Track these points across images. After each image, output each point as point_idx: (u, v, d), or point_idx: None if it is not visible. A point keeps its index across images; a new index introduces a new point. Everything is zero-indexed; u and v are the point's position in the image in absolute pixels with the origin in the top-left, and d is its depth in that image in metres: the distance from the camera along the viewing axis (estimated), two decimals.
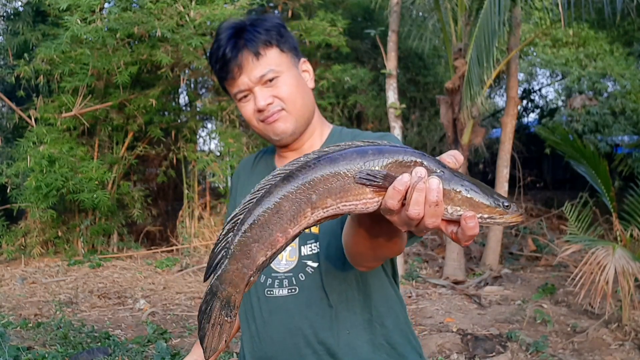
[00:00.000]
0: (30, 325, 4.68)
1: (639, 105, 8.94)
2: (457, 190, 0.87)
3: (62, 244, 7.28)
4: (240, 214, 0.92)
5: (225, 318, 0.95)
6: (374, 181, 0.86)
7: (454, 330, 4.68)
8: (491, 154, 9.44)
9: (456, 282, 6.20)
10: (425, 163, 0.88)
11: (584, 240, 4.76)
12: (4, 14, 8.33)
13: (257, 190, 0.92)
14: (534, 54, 10.76)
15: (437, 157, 0.91)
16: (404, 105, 6.71)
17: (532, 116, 13.26)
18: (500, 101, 12.88)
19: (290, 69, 1.38)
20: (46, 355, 3.90)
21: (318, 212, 0.89)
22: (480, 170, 13.21)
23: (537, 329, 4.77)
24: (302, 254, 1.38)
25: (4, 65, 7.76)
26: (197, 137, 8.49)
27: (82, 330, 4.51)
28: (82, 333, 4.44)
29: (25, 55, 6.80)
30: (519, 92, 8.67)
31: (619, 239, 5.06)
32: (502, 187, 6.81)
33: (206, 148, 9.07)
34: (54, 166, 6.14)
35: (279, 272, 1.38)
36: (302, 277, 1.36)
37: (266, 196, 0.90)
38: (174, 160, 7.75)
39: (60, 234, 7.28)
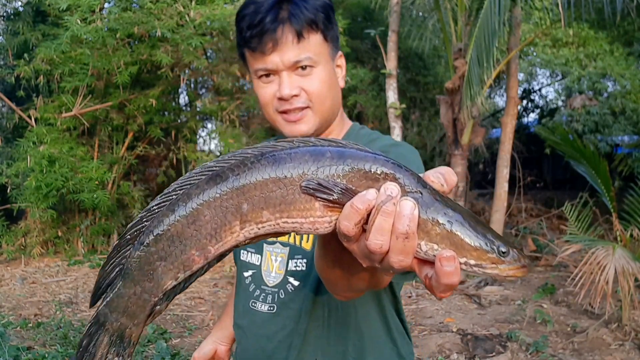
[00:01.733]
0: (30, 325, 4.68)
1: (639, 105, 8.94)
2: (437, 220, 0.65)
3: (62, 244, 7.28)
4: (145, 221, 0.70)
5: (115, 358, 0.73)
6: (325, 193, 0.65)
7: (454, 330, 4.68)
8: (491, 154, 9.43)
9: None
10: (400, 178, 0.66)
11: (584, 240, 4.76)
12: (4, 14, 8.33)
13: (172, 191, 0.70)
14: (534, 54, 10.76)
15: (421, 174, 0.69)
16: (404, 105, 6.71)
17: (532, 116, 13.26)
18: (500, 101, 12.88)
19: (327, 62, 1.22)
20: (46, 355, 3.90)
21: (250, 227, 0.68)
22: (480, 170, 13.21)
23: (537, 329, 4.76)
24: (288, 268, 1.26)
25: (4, 65, 7.76)
26: (197, 137, 8.50)
27: (82, 330, 4.51)
28: (82, 333, 4.44)
29: (25, 55, 6.80)
30: (519, 92, 8.67)
31: (619, 239, 5.06)
32: (502, 187, 6.81)
33: (206, 148, 9.08)
34: (54, 166, 6.14)
35: (267, 286, 1.29)
36: (282, 294, 1.26)
37: (182, 200, 0.68)
38: (174, 160, 7.75)
39: (60, 234, 7.28)
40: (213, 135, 8.32)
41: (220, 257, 0.70)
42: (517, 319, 4.98)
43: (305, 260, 1.24)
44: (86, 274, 6.44)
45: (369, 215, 0.65)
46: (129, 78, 6.50)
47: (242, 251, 1.34)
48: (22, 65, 6.52)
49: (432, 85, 10.43)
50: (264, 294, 1.29)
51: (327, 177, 0.66)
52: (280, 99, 1.20)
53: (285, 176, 0.66)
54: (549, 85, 12.87)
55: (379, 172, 0.66)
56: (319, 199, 0.66)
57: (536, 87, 13.05)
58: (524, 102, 12.59)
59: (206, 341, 1.54)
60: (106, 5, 6.45)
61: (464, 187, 6.65)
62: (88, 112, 6.77)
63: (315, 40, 1.19)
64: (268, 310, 1.27)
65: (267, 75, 1.21)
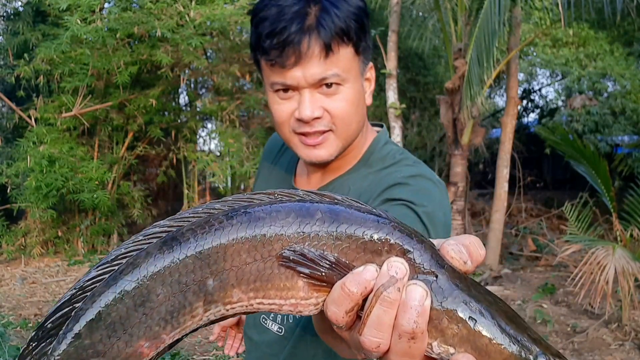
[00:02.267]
0: (30, 325, 4.68)
1: (639, 105, 8.94)
2: (457, 316, 0.50)
3: (62, 244, 7.28)
4: (76, 301, 0.52)
5: None
6: (309, 267, 0.50)
7: None
8: (491, 154, 9.44)
9: None
10: (409, 252, 0.51)
11: (584, 240, 4.76)
12: (4, 14, 8.33)
13: (113, 259, 0.53)
14: (534, 54, 10.76)
15: (440, 245, 0.53)
16: (404, 105, 6.71)
17: (532, 116, 13.26)
18: (500, 101, 12.89)
19: (356, 79, 1.06)
20: None
21: (216, 308, 0.52)
22: (480, 170, 13.21)
23: (537, 329, 4.77)
24: None
25: (4, 65, 7.76)
26: (197, 137, 8.50)
27: None
28: None
29: (25, 55, 6.80)
30: (519, 92, 8.67)
31: (619, 239, 5.06)
32: (502, 187, 6.81)
33: (206, 148, 9.08)
34: (54, 166, 6.14)
35: None
36: (290, 319, 1.17)
37: (127, 272, 0.51)
38: (174, 160, 7.75)
39: (60, 234, 7.28)
40: (213, 135, 8.32)
41: (176, 342, 0.54)
42: None
43: None
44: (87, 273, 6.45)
45: (365, 299, 0.50)
46: (129, 78, 6.50)
47: None
48: (22, 65, 6.52)
49: (432, 85, 10.43)
50: (274, 313, 1.19)
51: (315, 245, 0.51)
52: (299, 120, 1.03)
53: (263, 243, 0.51)
54: (549, 85, 12.87)
55: (382, 241, 0.51)
56: (301, 274, 0.51)
57: (536, 87, 13.06)
58: (524, 102, 12.59)
59: None
60: (106, 5, 6.45)
61: (464, 187, 6.65)
62: (88, 112, 6.77)
63: (345, 54, 1.02)
64: (277, 330, 1.20)
65: (285, 91, 1.04)
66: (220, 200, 0.54)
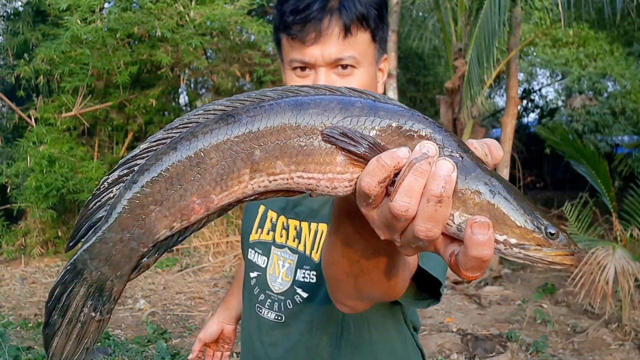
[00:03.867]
0: (30, 325, 4.68)
1: (639, 105, 8.94)
2: (478, 190, 0.56)
3: (62, 244, 7.27)
4: (140, 158, 0.61)
5: (92, 314, 0.61)
6: (350, 144, 0.56)
7: (454, 330, 4.68)
8: None
9: (456, 282, 6.20)
10: (438, 139, 0.57)
11: (584, 240, 4.76)
12: (4, 14, 8.33)
13: (176, 127, 0.61)
14: (534, 54, 10.76)
15: (471, 142, 0.61)
16: None
17: (532, 116, 13.26)
18: (500, 101, 12.89)
19: (371, 65, 1.11)
20: None
21: (260, 178, 0.59)
22: None
23: (537, 329, 4.77)
24: (296, 277, 1.20)
25: (4, 65, 7.76)
26: None
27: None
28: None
29: (25, 55, 6.79)
30: (519, 92, 8.67)
31: (619, 239, 5.06)
32: None
33: None
34: (54, 166, 6.14)
35: (272, 292, 1.24)
36: (289, 304, 1.20)
37: (187, 138, 0.59)
38: None
39: (60, 234, 7.27)
40: None
41: (222, 211, 0.61)
42: (517, 319, 4.98)
43: (314, 273, 1.17)
44: None
45: (396, 175, 0.56)
46: (129, 78, 6.50)
47: (250, 250, 1.30)
48: (22, 65, 6.51)
49: (432, 85, 10.44)
50: (269, 300, 1.24)
51: (355, 128, 0.57)
52: None
53: (307, 123, 0.57)
54: (549, 85, 12.87)
55: (415, 129, 0.57)
56: (342, 150, 0.57)
57: (536, 87, 13.06)
58: (524, 102, 12.59)
59: (212, 321, 1.51)
60: (106, 5, 6.45)
61: None
62: (88, 112, 6.76)
63: (362, 39, 1.07)
64: (275, 318, 1.22)
65: (303, 69, 1.09)
66: (271, 88, 0.61)
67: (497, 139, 8.66)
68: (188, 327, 4.80)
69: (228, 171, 0.58)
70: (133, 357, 4.03)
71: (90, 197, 0.62)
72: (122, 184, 0.60)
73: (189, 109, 8.59)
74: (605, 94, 9.66)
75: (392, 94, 6.54)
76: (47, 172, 6.09)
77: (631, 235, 4.96)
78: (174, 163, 0.58)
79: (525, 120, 13.06)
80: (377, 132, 0.57)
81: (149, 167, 0.59)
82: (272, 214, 1.28)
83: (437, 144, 0.57)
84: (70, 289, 0.61)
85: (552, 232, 0.58)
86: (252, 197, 0.61)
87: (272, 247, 1.25)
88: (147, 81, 7.47)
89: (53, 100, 6.83)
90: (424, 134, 0.57)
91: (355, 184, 0.58)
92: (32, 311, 5.13)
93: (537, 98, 13.25)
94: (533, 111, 13.18)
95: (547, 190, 12.55)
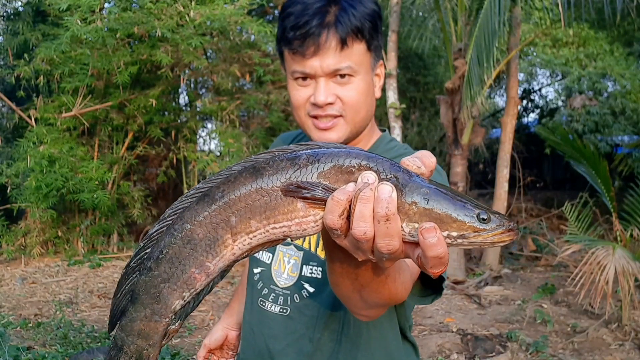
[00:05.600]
0: (30, 325, 4.68)
1: (639, 105, 8.94)
2: (414, 200, 0.66)
3: (62, 244, 7.28)
4: (147, 248, 0.75)
5: None
6: (305, 192, 0.68)
7: (454, 330, 4.68)
8: (491, 154, 9.44)
9: (456, 282, 6.20)
10: (374, 166, 0.68)
11: (584, 240, 4.76)
12: (4, 14, 8.33)
13: (168, 217, 0.74)
14: (534, 54, 10.76)
15: (399, 161, 0.71)
16: (404, 105, 6.71)
17: (532, 116, 13.26)
18: (500, 101, 12.88)
19: (367, 73, 1.20)
20: (46, 355, 3.90)
21: (242, 238, 0.71)
22: (480, 170, 13.21)
23: (537, 329, 4.77)
24: (303, 273, 1.25)
25: (4, 65, 7.75)
26: (197, 137, 8.50)
27: (82, 330, 4.51)
28: (82, 333, 4.44)
29: (25, 55, 6.79)
30: (519, 92, 8.67)
31: (619, 239, 5.06)
32: (502, 187, 6.81)
33: (206, 148, 9.07)
34: (54, 166, 6.14)
35: (277, 286, 1.28)
36: (296, 298, 1.25)
37: (177, 223, 0.72)
38: (174, 160, 7.75)
39: (60, 234, 7.27)
40: (213, 135, 8.32)
41: (223, 273, 0.73)
42: (517, 319, 4.98)
43: (320, 269, 1.22)
44: (86, 274, 6.44)
45: (350, 205, 0.67)
46: (129, 78, 6.49)
47: None
48: (22, 65, 6.51)
49: (432, 85, 10.44)
50: (274, 294, 1.28)
51: (306, 178, 0.69)
52: (314, 104, 1.17)
53: (267, 185, 0.69)
54: (549, 85, 12.87)
55: (354, 164, 0.68)
56: (300, 197, 0.68)
57: (536, 87, 13.06)
58: (524, 102, 12.59)
59: (216, 327, 1.52)
60: (106, 5, 6.44)
61: (464, 187, 6.65)
62: (88, 112, 6.76)
63: (358, 49, 1.16)
64: (280, 312, 1.26)
65: (304, 79, 1.18)
66: (235, 163, 0.73)
67: (497, 139, 8.66)
68: (188, 327, 4.81)
69: (214, 240, 0.71)
70: None
71: (116, 286, 0.76)
72: (137, 272, 0.75)
73: (189, 109, 8.60)
74: (605, 94, 9.65)
75: (392, 94, 6.54)
76: (47, 172, 6.09)
77: (631, 235, 4.96)
78: (170, 245, 0.72)
79: (525, 120, 13.06)
80: (325, 176, 0.68)
81: (153, 254, 0.73)
82: None
83: (374, 171, 0.67)
84: None
85: (484, 217, 0.66)
86: (244, 255, 0.73)
87: (278, 245, 1.29)
88: (147, 81, 7.47)
89: (53, 100, 6.83)
90: (361, 166, 0.68)
91: (321, 223, 0.69)
92: (32, 311, 5.13)
93: (537, 98, 13.25)
94: (533, 111, 13.18)
95: (547, 190, 12.55)
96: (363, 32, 1.15)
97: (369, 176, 0.66)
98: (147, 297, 0.73)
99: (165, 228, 0.73)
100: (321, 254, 1.23)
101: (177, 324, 0.76)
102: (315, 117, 1.18)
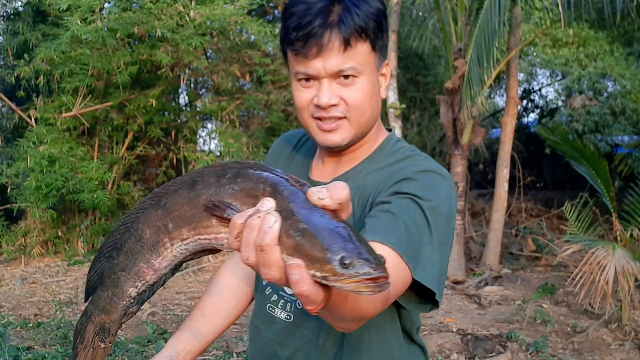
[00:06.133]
0: (30, 325, 4.68)
1: (639, 105, 8.94)
2: (291, 233, 0.66)
3: (62, 244, 7.28)
4: (116, 236, 0.86)
5: (99, 343, 0.90)
6: (217, 211, 0.72)
7: (454, 330, 4.68)
8: (491, 154, 9.44)
9: (456, 282, 6.20)
10: (275, 193, 0.70)
11: (584, 240, 4.76)
12: (4, 14, 8.33)
13: (133, 213, 0.83)
14: (534, 54, 10.76)
15: (309, 190, 0.70)
16: (404, 105, 6.71)
17: (532, 116, 13.26)
18: (500, 101, 12.88)
19: (371, 73, 1.17)
20: (46, 355, 3.90)
21: (177, 243, 0.78)
22: (480, 170, 13.21)
23: (537, 329, 4.77)
24: None
25: (4, 65, 7.75)
26: (197, 137, 8.49)
27: None
28: None
29: (25, 55, 6.79)
30: (519, 92, 8.67)
31: (619, 239, 5.06)
32: (502, 187, 6.81)
33: (206, 148, 9.07)
34: (54, 166, 6.13)
35: (286, 293, 1.27)
36: (299, 305, 1.24)
37: (135, 221, 0.82)
38: (174, 160, 7.75)
39: (60, 234, 7.27)
40: (213, 135, 8.32)
41: (173, 270, 0.82)
42: (517, 319, 4.98)
43: None
44: (86, 274, 6.44)
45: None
46: (129, 78, 6.49)
47: None
48: (22, 65, 6.50)
49: (432, 85, 10.44)
50: (282, 301, 1.27)
51: (223, 196, 0.73)
52: (318, 106, 1.15)
53: (195, 197, 0.75)
54: (549, 85, 12.87)
55: (260, 189, 0.71)
56: (213, 215, 0.73)
57: (536, 87, 13.06)
58: (524, 102, 12.58)
59: (161, 355, 1.31)
60: (106, 5, 6.44)
61: (464, 187, 6.65)
62: (88, 112, 6.76)
63: (362, 50, 1.13)
64: (285, 318, 1.26)
65: (307, 80, 1.16)
66: (189, 172, 0.79)
67: (497, 139, 8.66)
68: None
69: (157, 241, 0.79)
70: (133, 357, 4.03)
71: (90, 265, 0.89)
72: (105, 258, 0.86)
73: (189, 109, 8.60)
74: (605, 94, 9.65)
75: (392, 93, 6.54)
76: (47, 172, 6.08)
77: (631, 235, 4.96)
78: (128, 240, 0.81)
79: (525, 120, 13.05)
80: (235, 196, 0.72)
81: (117, 244, 0.84)
82: None
83: (275, 198, 0.69)
84: (84, 327, 0.90)
85: (347, 262, 0.63)
86: (188, 258, 0.80)
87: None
88: (147, 81, 7.46)
89: (53, 101, 6.82)
90: (265, 192, 0.70)
91: None
92: (32, 311, 5.13)
93: (537, 98, 13.25)
94: (533, 111, 13.18)
95: (547, 190, 12.55)
96: (367, 31, 1.12)
97: (265, 203, 0.68)
98: (109, 280, 0.85)
99: (129, 222, 0.83)
100: None
101: (134, 307, 0.87)
102: (319, 118, 1.17)
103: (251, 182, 0.72)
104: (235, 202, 0.72)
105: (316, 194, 0.68)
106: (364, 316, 0.92)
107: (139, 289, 0.83)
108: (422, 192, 1.09)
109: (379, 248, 0.99)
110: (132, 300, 0.85)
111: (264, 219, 0.66)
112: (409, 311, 1.24)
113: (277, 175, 0.72)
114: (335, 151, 1.23)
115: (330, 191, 0.68)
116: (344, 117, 1.16)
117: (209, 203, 0.73)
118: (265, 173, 0.73)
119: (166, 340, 4.40)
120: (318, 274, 0.65)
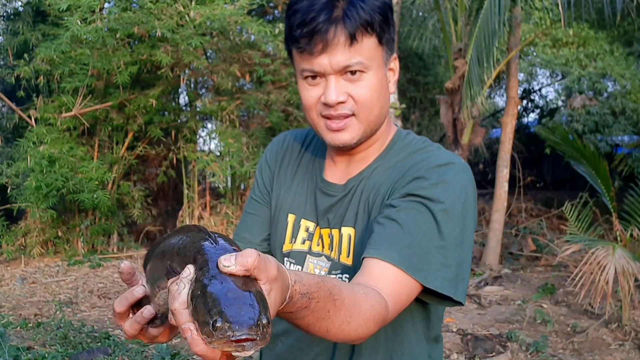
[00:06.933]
0: (30, 325, 4.68)
1: (639, 105, 8.95)
2: (189, 299, 0.72)
3: (62, 244, 7.28)
4: (162, 241, 0.93)
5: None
6: (171, 274, 0.78)
7: (454, 330, 4.68)
8: (491, 154, 9.44)
9: None
10: (197, 260, 0.76)
11: (584, 240, 4.76)
12: (4, 14, 8.33)
13: (157, 244, 0.93)
14: (534, 54, 10.77)
15: (218, 259, 0.74)
16: (404, 105, 6.71)
17: (532, 116, 13.27)
18: (500, 101, 12.90)
19: (379, 68, 1.14)
20: (46, 355, 3.90)
21: (163, 290, 0.83)
22: (480, 170, 13.22)
23: (537, 329, 4.77)
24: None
25: (4, 65, 7.76)
26: (197, 137, 8.49)
27: (82, 330, 4.51)
28: (82, 333, 4.44)
29: (25, 55, 6.79)
30: (519, 92, 8.67)
31: (619, 239, 5.06)
32: (502, 187, 6.81)
33: (206, 148, 9.07)
34: (54, 166, 6.14)
35: None
36: None
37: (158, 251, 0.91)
38: (174, 160, 7.75)
39: (60, 234, 7.27)
40: (213, 135, 8.32)
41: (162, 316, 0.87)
42: (517, 319, 4.98)
43: (347, 275, 1.19)
44: (86, 274, 6.44)
45: None
46: (129, 78, 6.49)
47: (284, 259, 1.30)
48: (22, 65, 6.51)
49: (432, 85, 10.45)
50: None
51: (176, 260, 0.80)
52: (325, 104, 1.12)
53: (162, 260, 0.84)
54: (549, 85, 12.88)
55: (192, 255, 0.77)
56: (167, 278, 0.79)
57: (536, 87, 13.07)
58: (524, 102, 12.59)
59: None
60: (106, 5, 6.45)
61: None
62: (88, 112, 6.76)
63: (368, 44, 1.10)
64: None
65: (314, 77, 1.13)
66: (177, 232, 0.87)
67: (497, 139, 8.66)
68: None
69: (160, 275, 0.83)
70: (133, 357, 4.03)
71: (150, 248, 0.95)
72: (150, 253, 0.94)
73: (189, 109, 8.60)
74: (605, 94, 9.66)
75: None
76: (47, 172, 6.09)
77: (631, 235, 4.96)
78: (155, 262, 0.88)
79: (525, 120, 13.06)
80: (179, 262, 0.78)
81: (151, 255, 0.93)
82: (307, 224, 1.29)
83: (195, 265, 0.74)
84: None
85: (217, 325, 0.67)
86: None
87: (308, 256, 1.27)
88: (147, 81, 7.47)
89: (53, 100, 6.83)
90: (195, 260, 0.76)
91: None
92: (32, 311, 5.13)
93: (537, 98, 13.26)
94: (533, 111, 13.18)
95: (547, 190, 12.55)
96: (373, 25, 1.09)
97: (186, 270, 0.74)
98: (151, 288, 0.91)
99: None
100: (345, 260, 1.21)
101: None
102: (328, 117, 1.14)
103: (189, 250, 0.78)
104: (179, 268, 0.78)
105: (222, 262, 0.71)
106: (352, 338, 0.95)
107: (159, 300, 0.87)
108: (433, 194, 1.08)
109: (381, 266, 1.02)
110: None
111: (178, 285, 0.72)
112: (430, 311, 1.23)
113: (207, 241, 0.78)
114: (346, 150, 1.20)
115: (237, 259, 0.71)
116: (353, 115, 1.13)
117: (168, 268, 0.80)
118: (209, 239, 0.78)
119: None
120: (204, 335, 0.69)
